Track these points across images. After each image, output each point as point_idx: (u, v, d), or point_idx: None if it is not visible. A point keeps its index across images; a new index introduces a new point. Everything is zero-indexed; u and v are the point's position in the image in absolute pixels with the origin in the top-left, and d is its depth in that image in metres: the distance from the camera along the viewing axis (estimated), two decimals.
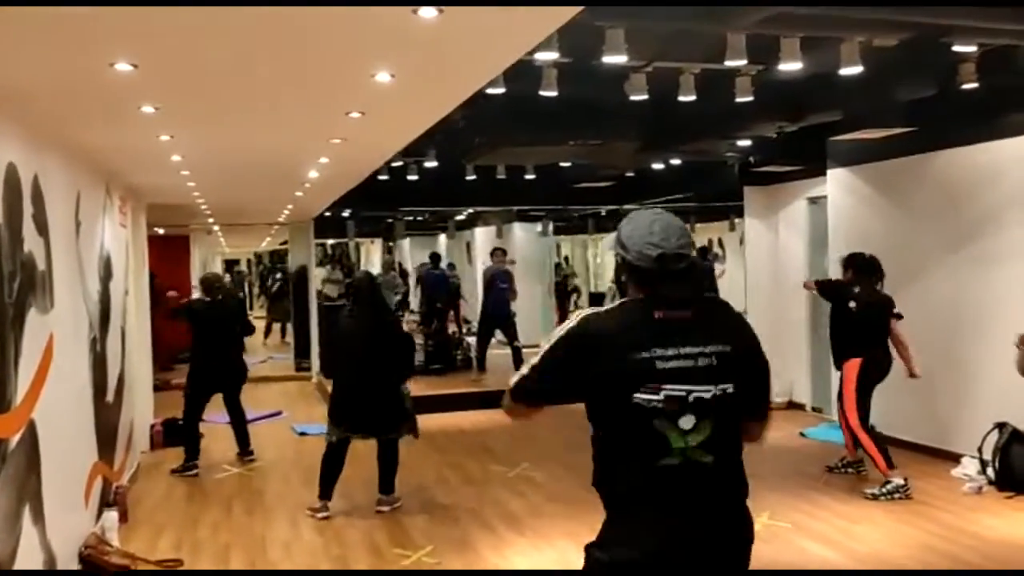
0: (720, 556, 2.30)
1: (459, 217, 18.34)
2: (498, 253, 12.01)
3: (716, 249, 17.63)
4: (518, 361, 11.41)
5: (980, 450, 6.45)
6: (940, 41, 4.47)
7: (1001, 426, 6.42)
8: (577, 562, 2.37)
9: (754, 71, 6.23)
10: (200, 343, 7.81)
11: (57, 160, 4.81)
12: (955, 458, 6.83)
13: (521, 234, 16.89)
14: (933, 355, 7.33)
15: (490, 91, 5.69)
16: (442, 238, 21.44)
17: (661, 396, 2.23)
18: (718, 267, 15.79)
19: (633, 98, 6.46)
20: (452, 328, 14.51)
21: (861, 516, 5.82)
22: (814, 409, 9.44)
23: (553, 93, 6.02)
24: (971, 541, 5.26)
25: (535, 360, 2.38)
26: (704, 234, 16.61)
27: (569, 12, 2.87)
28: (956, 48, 4.96)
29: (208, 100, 4.02)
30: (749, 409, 2.39)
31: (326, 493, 6.17)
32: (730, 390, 2.29)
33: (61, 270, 4.74)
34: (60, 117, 4.17)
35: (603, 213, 16.53)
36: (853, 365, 6.38)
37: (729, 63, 5.41)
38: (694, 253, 2.43)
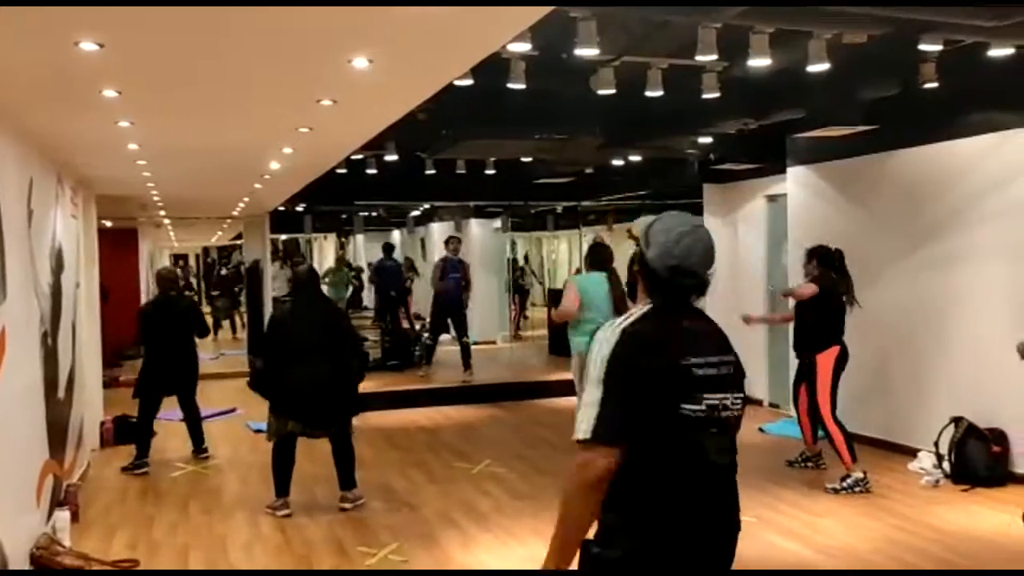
0: (727, 546, 2.36)
1: (415, 213, 18.21)
2: (453, 241, 11.93)
3: None
4: (467, 357, 11.35)
5: (937, 444, 6.56)
6: (908, 39, 4.50)
7: (957, 421, 6.54)
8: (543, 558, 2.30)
9: (720, 67, 6.24)
10: (152, 343, 7.59)
11: (10, 146, 4.61)
12: (912, 452, 6.95)
13: (478, 230, 16.81)
14: (891, 351, 7.47)
15: (458, 83, 5.62)
16: (396, 234, 21.26)
17: (703, 406, 2.24)
18: None
19: (600, 92, 6.43)
20: (405, 324, 14.45)
21: (823, 510, 5.88)
22: (771, 405, 9.55)
23: (521, 86, 5.96)
24: (932, 533, 5.34)
25: (600, 395, 2.20)
26: None
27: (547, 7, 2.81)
28: (921, 47, 5.01)
29: (174, 85, 3.88)
30: None
31: (283, 490, 6.05)
32: (741, 397, 2.37)
33: (13, 260, 4.54)
34: (17, 101, 3.99)
35: (559, 210, 16.53)
36: (830, 354, 6.42)
37: (700, 58, 5.40)
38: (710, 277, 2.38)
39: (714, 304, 11.05)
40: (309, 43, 3.21)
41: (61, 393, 6.14)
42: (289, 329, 6.12)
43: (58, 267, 6.13)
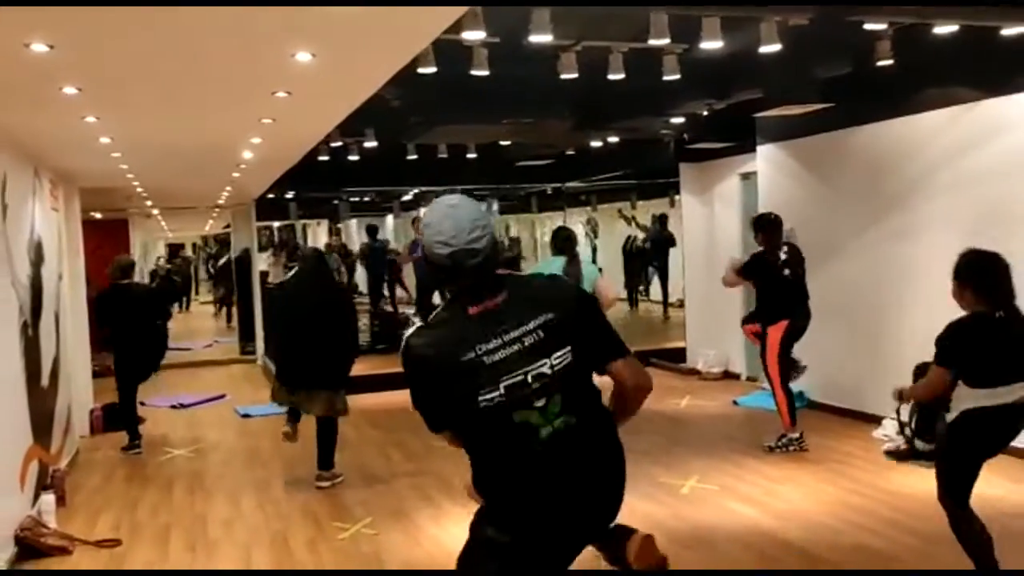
0: (599, 505, 2.41)
1: (406, 198, 18.35)
2: (418, 222, 12.13)
3: (656, 225, 17.97)
4: None
5: (898, 412, 6.73)
6: (850, 20, 4.64)
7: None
8: None
9: (679, 49, 6.37)
10: (114, 330, 7.69)
11: None
12: (877, 420, 7.14)
13: None
14: (856, 322, 7.65)
15: (422, 70, 5.76)
16: (389, 218, 21.40)
17: (502, 390, 2.24)
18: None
19: (564, 76, 6.57)
20: (400, 291, 14.85)
21: (784, 477, 6.08)
22: (749, 379, 9.73)
23: (484, 72, 6.09)
24: (883, 496, 5.54)
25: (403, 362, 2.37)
26: (646, 211, 16.86)
27: None
28: (869, 27, 5.15)
29: (131, 81, 4.04)
30: (600, 354, 2.40)
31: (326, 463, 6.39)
32: (568, 356, 2.30)
33: None
34: None
35: (549, 192, 16.66)
36: (778, 328, 6.63)
37: (653, 42, 5.54)
38: (486, 243, 2.30)
39: (693, 278, 11.25)
40: (254, 40, 3.37)
41: (45, 381, 6.33)
42: (287, 304, 6.54)
43: (37, 259, 6.31)
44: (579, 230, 20.00)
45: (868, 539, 4.84)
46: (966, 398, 3.87)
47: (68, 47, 3.27)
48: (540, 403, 2.28)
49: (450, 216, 2.30)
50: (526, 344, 2.28)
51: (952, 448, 3.98)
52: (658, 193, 15.54)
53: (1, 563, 4.71)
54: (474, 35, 5.45)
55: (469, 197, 2.42)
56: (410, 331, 2.36)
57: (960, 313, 3.92)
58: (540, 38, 5.32)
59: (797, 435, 6.63)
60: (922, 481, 5.81)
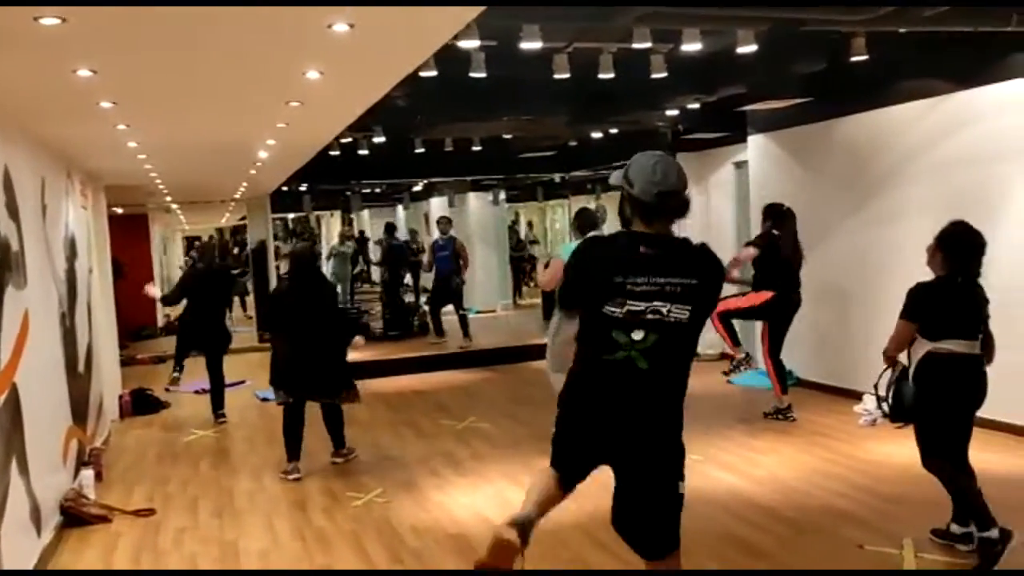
0: (633, 433, 2.87)
1: (416, 188, 18.80)
2: (443, 222, 12.57)
3: None
4: (465, 326, 12.07)
5: (876, 386, 7.16)
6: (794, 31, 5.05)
7: (894, 364, 7.14)
8: (511, 497, 3.00)
9: (665, 49, 6.79)
10: (191, 303, 8.51)
11: (23, 150, 5.26)
12: (859, 396, 7.56)
13: (476, 203, 17.42)
14: (840, 302, 8.07)
15: (423, 74, 6.20)
16: (400, 209, 21.89)
17: (623, 311, 2.78)
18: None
19: (557, 77, 6.99)
20: (410, 297, 15.16)
21: (767, 448, 6.53)
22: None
23: (482, 75, 6.52)
24: (855, 463, 5.99)
25: (564, 278, 3.11)
26: None
27: (471, 12, 3.35)
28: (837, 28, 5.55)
29: (160, 95, 4.51)
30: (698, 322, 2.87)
31: (294, 454, 6.54)
32: (685, 315, 2.79)
33: (32, 251, 5.22)
34: (28, 114, 4.64)
35: (557, 180, 17.08)
36: (761, 296, 7.21)
37: (636, 45, 5.96)
38: (686, 191, 2.85)
39: None
40: (265, 60, 3.83)
41: (81, 368, 6.85)
42: (286, 305, 6.58)
43: (72, 255, 6.82)
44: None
45: (835, 500, 5.30)
46: (923, 347, 4.35)
47: (109, 72, 3.75)
48: (638, 335, 2.79)
49: (672, 165, 2.85)
50: (666, 291, 2.79)
51: (925, 396, 4.35)
52: None
53: (49, 530, 5.22)
54: (469, 43, 5.89)
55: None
56: (596, 232, 3.00)
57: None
58: (531, 45, 5.76)
59: (786, 405, 7.13)
60: (892, 448, 6.28)
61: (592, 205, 20.10)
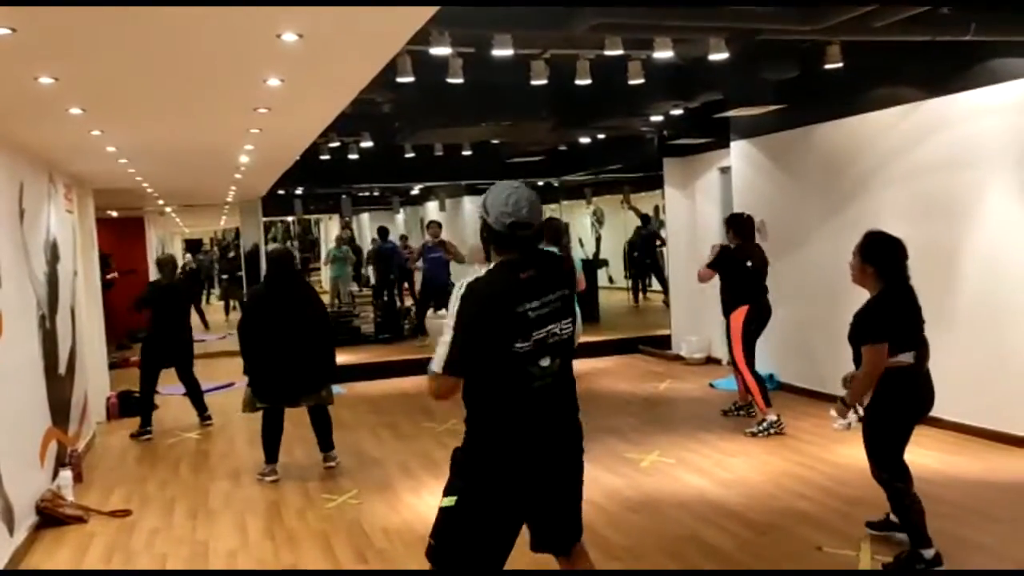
0: (560, 453, 3.03)
1: (413, 192, 18.88)
2: (432, 226, 12.67)
3: (662, 216, 18.39)
4: None
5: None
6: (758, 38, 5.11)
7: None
8: None
9: (642, 56, 6.85)
10: (155, 320, 8.45)
11: (0, 155, 5.35)
12: (835, 400, 7.59)
13: (471, 207, 17.51)
14: (817, 308, 8.12)
15: (400, 79, 6.26)
16: (400, 213, 22.00)
17: (531, 342, 2.85)
18: (663, 233, 16.56)
19: (535, 83, 7.05)
20: (408, 300, 15.24)
21: (738, 451, 6.58)
22: (729, 363, 10.19)
23: (459, 80, 6.58)
24: (823, 467, 6.03)
25: (449, 338, 2.84)
26: (641, 203, 17.29)
27: (419, 18, 3.39)
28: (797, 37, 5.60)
29: (127, 102, 4.59)
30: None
31: (272, 457, 6.58)
32: (570, 328, 2.97)
33: (6, 254, 5.30)
34: (1, 119, 4.71)
35: (555, 184, 17.12)
36: (739, 313, 7.14)
37: (609, 52, 6.02)
38: (540, 221, 2.98)
39: (677, 268, 11.69)
40: (225, 68, 3.90)
41: (62, 370, 6.92)
42: (259, 308, 6.51)
43: (53, 258, 6.90)
44: (585, 221, 20.53)
45: (798, 503, 5.35)
46: (893, 360, 4.21)
47: (71, 79, 3.82)
48: (546, 361, 2.90)
49: (513, 194, 2.89)
50: (552, 308, 2.90)
51: (882, 411, 4.29)
52: (652, 185, 15.96)
53: (23, 530, 5.29)
54: (441, 50, 5.95)
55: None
56: (470, 279, 2.90)
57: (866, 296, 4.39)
58: (503, 52, 5.82)
59: (775, 417, 6.98)
60: (861, 453, 6.32)
61: (589, 208, 20.24)
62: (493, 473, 2.92)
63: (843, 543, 4.64)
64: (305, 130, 6.29)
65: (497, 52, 5.80)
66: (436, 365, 2.90)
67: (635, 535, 4.93)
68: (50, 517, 5.67)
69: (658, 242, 15.76)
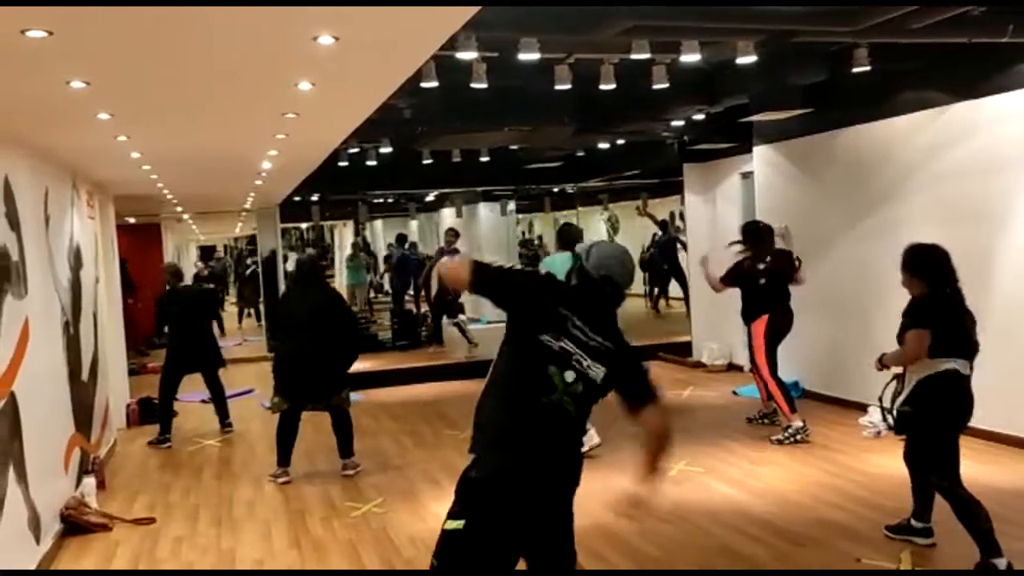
0: (557, 479, 2.98)
1: (428, 199, 18.84)
2: (449, 233, 12.62)
3: (679, 222, 18.31)
4: (464, 333, 12.11)
5: (880, 399, 7.11)
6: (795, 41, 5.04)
7: (899, 377, 7.08)
8: None
9: (668, 59, 6.79)
10: (172, 329, 8.46)
11: (25, 161, 5.33)
12: (864, 408, 7.50)
13: (486, 214, 17.45)
14: (843, 314, 8.02)
15: (425, 84, 6.22)
16: (412, 220, 21.96)
17: (557, 346, 2.87)
18: (682, 239, 16.45)
19: (559, 87, 7.00)
20: (424, 307, 15.18)
21: (766, 459, 6.49)
22: (750, 371, 10.09)
23: (483, 85, 6.54)
24: (855, 476, 5.94)
25: (503, 266, 3.07)
26: (659, 209, 17.21)
27: (458, 19, 3.33)
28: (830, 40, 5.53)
29: (156, 107, 4.56)
30: (630, 391, 3.01)
31: (284, 460, 6.68)
32: (600, 375, 2.93)
33: (33, 260, 5.27)
34: (28, 124, 4.69)
35: (570, 190, 17.06)
36: (760, 323, 7.06)
37: (636, 56, 5.96)
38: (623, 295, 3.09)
39: (698, 275, 11.58)
40: (256, 73, 3.86)
41: (85, 376, 6.90)
42: (285, 311, 6.77)
43: (76, 264, 6.88)
44: (600, 227, 20.45)
45: (832, 513, 5.25)
46: (923, 368, 4.33)
47: (102, 82, 3.78)
48: (571, 378, 2.90)
49: (621, 257, 3.13)
50: (590, 345, 2.94)
51: (930, 417, 4.34)
52: (669, 191, 15.87)
53: (49, 538, 5.26)
54: (468, 55, 5.91)
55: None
56: (548, 274, 3.14)
57: None
58: (529, 56, 5.77)
59: (800, 424, 6.88)
60: (894, 461, 6.21)
61: (604, 215, 20.15)
62: (499, 496, 2.89)
63: (882, 555, 4.55)
64: (330, 136, 6.25)
65: (524, 56, 5.75)
66: (480, 262, 3.04)
67: (667, 545, 4.85)
68: (75, 525, 5.64)
69: (679, 246, 15.68)
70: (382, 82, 4.17)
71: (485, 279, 2.99)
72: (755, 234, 7.24)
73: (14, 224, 4.89)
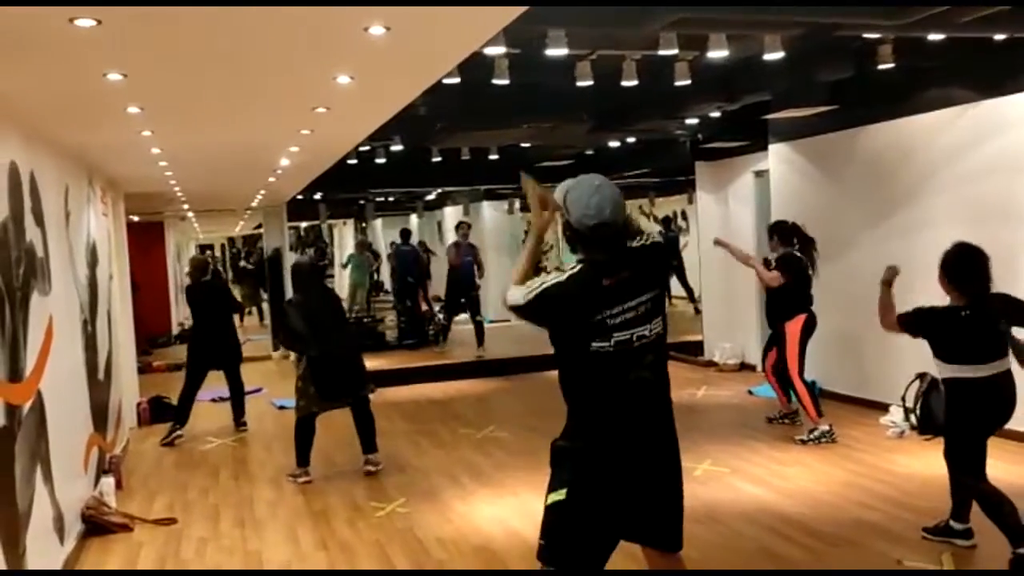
0: (655, 445, 2.94)
1: (429, 197, 18.77)
2: (463, 226, 12.54)
3: (680, 222, 18.30)
4: (480, 334, 12.03)
5: (903, 398, 7.06)
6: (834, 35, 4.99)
7: (922, 376, 7.02)
8: (534, 507, 2.94)
9: (691, 56, 6.74)
10: (196, 322, 8.50)
11: (48, 157, 5.24)
12: (884, 407, 7.46)
13: (490, 212, 17.39)
14: (863, 314, 7.93)
15: (446, 81, 6.16)
16: (413, 218, 21.88)
17: (612, 343, 2.79)
18: (682, 239, 16.44)
19: (580, 84, 6.95)
20: (424, 306, 15.06)
21: (793, 460, 6.44)
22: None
23: (505, 81, 6.49)
24: (884, 476, 5.89)
25: (528, 294, 2.85)
26: (666, 207, 17.20)
27: (510, 14, 3.28)
28: (866, 35, 5.49)
29: (188, 98, 4.48)
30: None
31: (304, 460, 6.64)
32: (660, 326, 2.88)
33: (55, 257, 5.19)
34: (53, 120, 4.62)
35: None
36: (797, 322, 6.97)
37: (663, 52, 5.91)
38: (624, 217, 2.85)
39: (710, 274, 11.56)
40: (295, 64, 3.80)
41: (101, 375, 6.82)
42: (307, 316, 6.56)
43: (93, 261, 6.80)
44: None
45: (866, 514, 5.20)
46: (943, 369, 4.49)
47: (139, 75, 3.71)
48: (636, 356, 2.82)
49: (596, 194, 2.79)
50: (639, 312, 2.83)
51: (952, 420, 4.43)
52: (677, 190, 15.85)
53: (72, 538, 5.18)
54: (495, 50, 5.85)
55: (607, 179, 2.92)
56: (548, 283, 2.84)
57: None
58: (556, 51, 5.71)
59: (827, 427, 6.81)
60: (921, 461, 6.19)
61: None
62: (600, 461, 2.86)
63: (922, 556, 4.50)
64: (354, 132, 6.19)
65: (551, 52, 5.70)
66: (513, 299, 2.90)
67: (703, 547, 4.78)
68: (96, 525, 5.56)
69: (682, 245, 15.65)
70: (422, 75, 4.11)
71: (522, 314, 2.94)
72: (785, 232, 7.16)
73: (39, 220, 4.81)
